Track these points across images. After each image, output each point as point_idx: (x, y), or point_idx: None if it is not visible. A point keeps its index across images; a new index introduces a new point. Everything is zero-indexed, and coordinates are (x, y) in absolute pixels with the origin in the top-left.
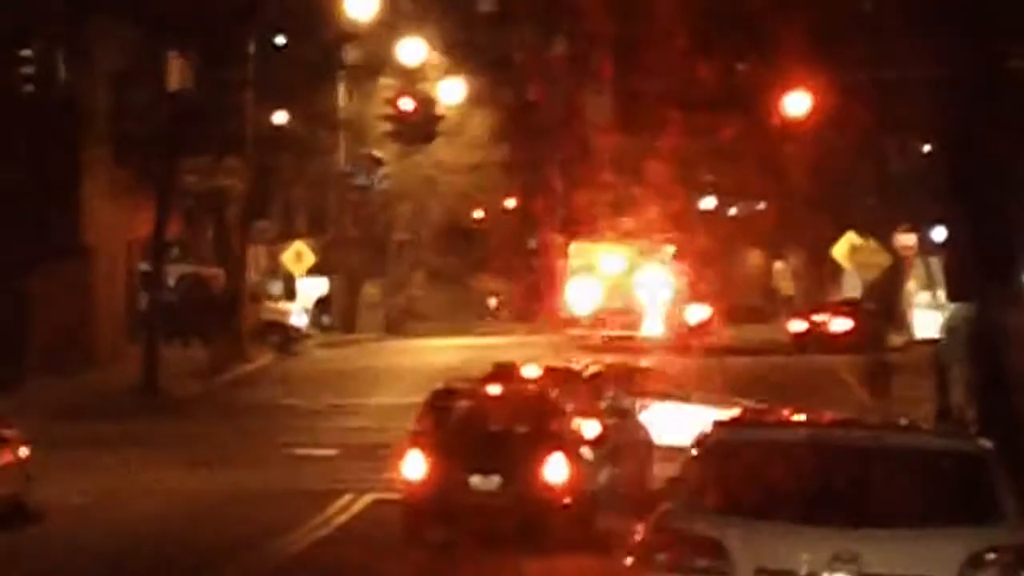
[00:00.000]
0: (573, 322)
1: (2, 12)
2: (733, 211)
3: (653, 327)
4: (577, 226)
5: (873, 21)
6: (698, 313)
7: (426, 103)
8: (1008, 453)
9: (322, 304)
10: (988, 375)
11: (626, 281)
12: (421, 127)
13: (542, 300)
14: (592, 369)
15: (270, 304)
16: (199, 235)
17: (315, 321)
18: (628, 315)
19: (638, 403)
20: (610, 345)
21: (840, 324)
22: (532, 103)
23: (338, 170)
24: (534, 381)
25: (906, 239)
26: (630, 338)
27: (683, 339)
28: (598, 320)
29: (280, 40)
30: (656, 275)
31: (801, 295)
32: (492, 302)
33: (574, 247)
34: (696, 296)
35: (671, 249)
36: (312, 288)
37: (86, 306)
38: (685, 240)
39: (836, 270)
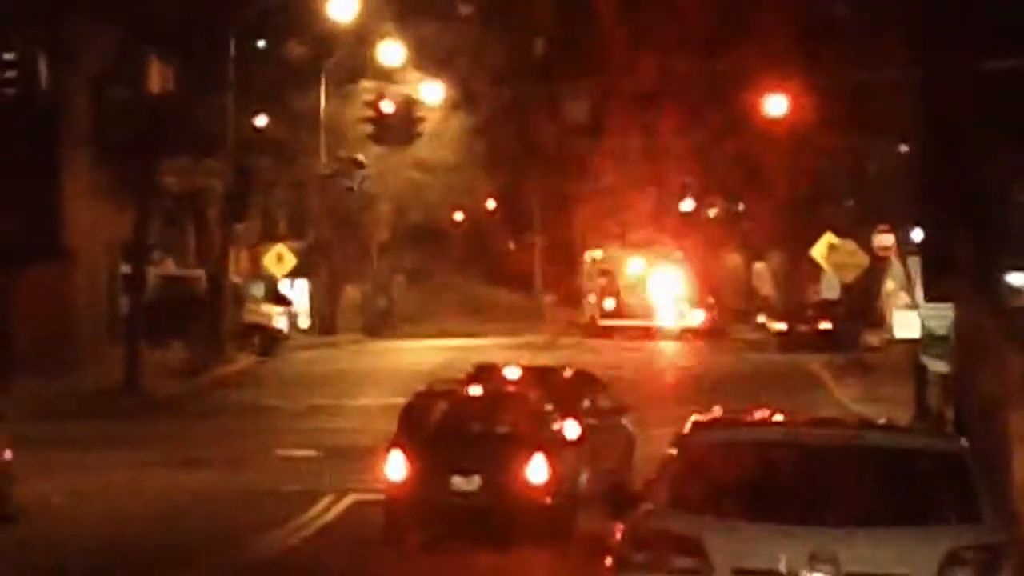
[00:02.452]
0: (599, 315)
1: None
2: (712, 212)
3: (667, 318)
4: (591, 233)
5: (849, 22)
6: (698, 314)
7: (406, 105)
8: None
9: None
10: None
11: (642, 281)
12: (402, 129)
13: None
14: (572, 370)
15: (252, 306)
16: (180, 237)
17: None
18: (645, 309)
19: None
20: (631, 334)
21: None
22: (510, 105)
23: (319, 172)
24: (515, 382)
25: (884, 239)
26: (647, 328)
27: (690, 330)
28: (621, 313)
29: (261, 43)
30: (667, 276)
31: (780, 296)
32: (548, 299)
33: (598, 253)
34: (696, 297)
35: (680, 254)
36: (289, 289)
37: (67, 308)
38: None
39: (815, 271)
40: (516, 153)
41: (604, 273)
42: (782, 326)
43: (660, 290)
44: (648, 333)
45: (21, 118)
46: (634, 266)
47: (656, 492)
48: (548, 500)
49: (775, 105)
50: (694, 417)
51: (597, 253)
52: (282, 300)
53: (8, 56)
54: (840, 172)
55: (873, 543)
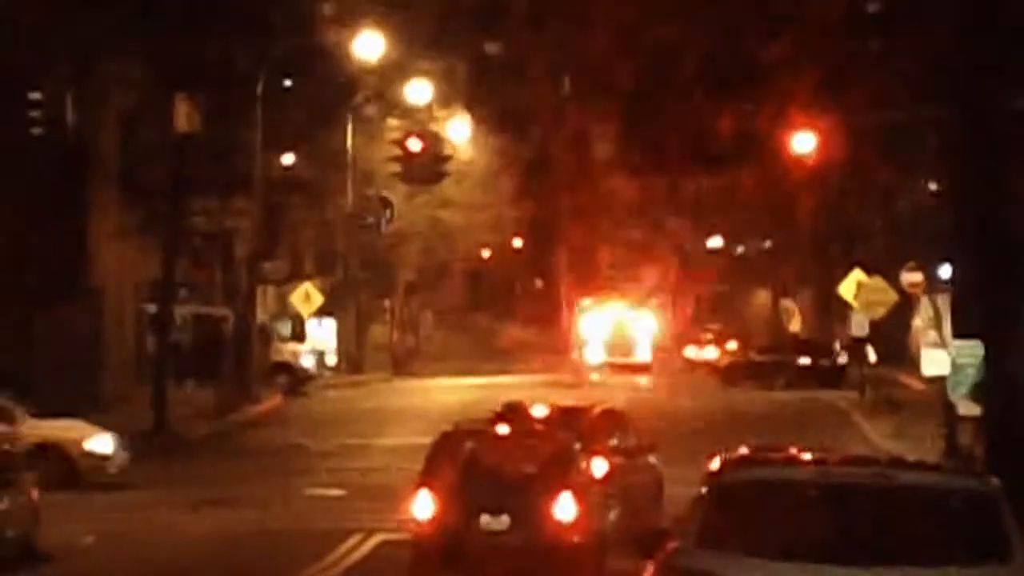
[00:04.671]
0: (586, 351)
1: (11, 54)
2: (740, 250)
3: (643, 355)
4: (586, 282)
5: (880, 61)
6: (704, 352)
7: (434, 144)
8: (1016, 491)
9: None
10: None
11: (623, 323)
12: (429, 167)
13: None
14: (600, 408)
15: (279, 345)
16: (207, 276)
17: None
18: (626, 346)
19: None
20: (614, 367)
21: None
22: (537, 143)
23: (346, 211)
24: (542, 420)
25: (913, 277)
26: (628, 364)
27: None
28: (605, 350)
29: (288, 82)
30: (644, 319)
31: (807, 333)
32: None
33: (586, 301)
34: (699, 337)
35: (654, 301)
36: (320, 330)
37: (94, 348)
38: (691, 284)
39: (843, 308)
40: (543, 192)
41: (590, 318)
42: (723, 357)
43: (634, 331)
44: (629, 368)
45: (48, 157)
46: (614, 312)
47: (685, 530)
48: (576, 539)
49: (803, 142)
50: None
51: (586, 301)
52: (299, 337)
53: (35, 95)
54: (869, 209)
55: None
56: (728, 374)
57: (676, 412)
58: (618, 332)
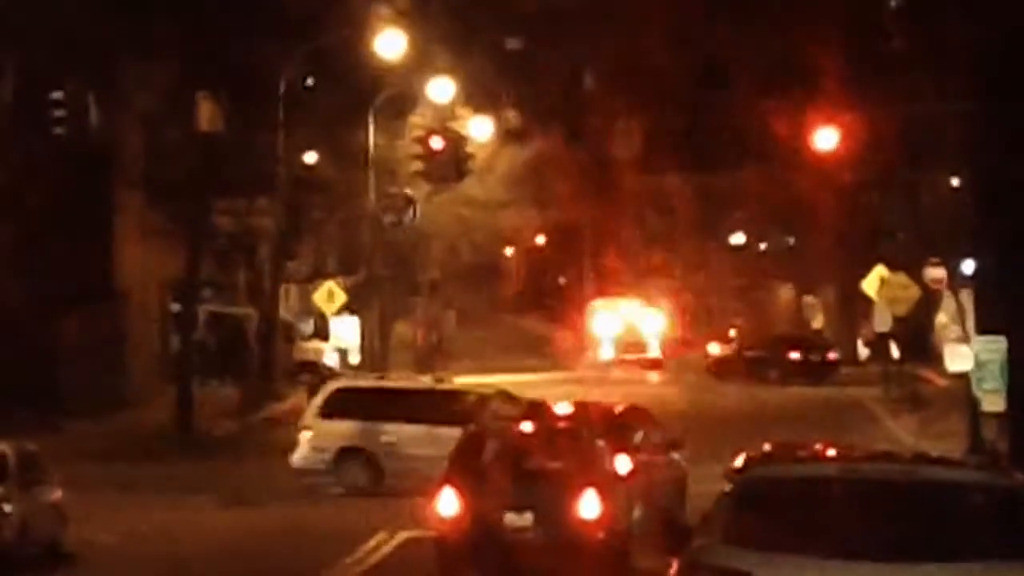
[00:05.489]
0: (599, 349)
1: (34, 55)
2: (763, 246)
3: (654, 351)
4: (607, 279)
5: (903, 57)
6: (717, 348)
7: (456, 141)
8: None
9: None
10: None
11: (635, 321)
12: (451, 165)
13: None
14: (623, 405)
15: (303, 343)
16: (231, 275)
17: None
18: (637, 343)
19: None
20: (626, 363)
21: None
22: (560, 140)
23: (369, 209)
24: (566, 418)
25: (936, 272)
26: (639, 360)
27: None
28: (618, 347)
29: (310, 80)
30: (656, 316)
31: (831, 329)
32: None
33: (598, 301)
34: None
35: (664, 301)
36: (344, 328)
37: (119, 348)
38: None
39: (866, 304)
40: (566, 189)
41: (604, 317)
42: (718, 351)
43: (646, 329)
44: (639, 364)
45: (71, 158)
46: (626, 311)
47: (710, 527)
48: (601, 536)
49: (826, 139)
50: (746, 452)
51: (599, 302)
52: (323, 335)
53: (58, 95)
54: (892, 205)
55: None
56: (719, 369)
57: (699, 409)
58: (629, 330)
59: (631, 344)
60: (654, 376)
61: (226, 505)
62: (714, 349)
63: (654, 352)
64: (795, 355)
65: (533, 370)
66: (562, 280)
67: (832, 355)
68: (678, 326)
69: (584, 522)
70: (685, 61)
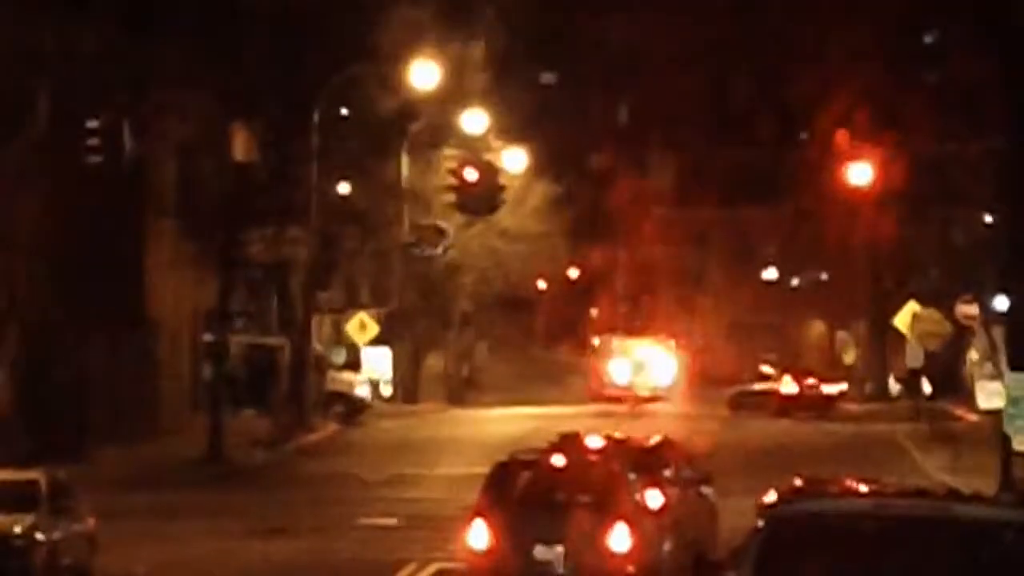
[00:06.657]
0: (613, 386)
1: (69, 82)
2: (795, 282)
3: (664, 388)
4: (616, 323)
5: (937, 93)
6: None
7: (489, 173)
8: None
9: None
10: None
11: (646, 360)
12: (484, 197)
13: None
14: (655, 439)
15: (335, 374)
16: (263, 305)
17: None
18: (648, 379)
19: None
20: (638, 398)
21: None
22: (594, 173)
23: (401, 240)
24: (597, 451)
25: (968, 309)
26: (651, 397)
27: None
28: (632, 383)
29: (344, 111)
30: (664, 357)
31: (863, 364)
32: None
33: (615, 341)
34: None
35: (672, 342)
36: (375, 359)
37: (151, 376)
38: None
39: (899, 339)
40: (599, 222)
41: (605, 353)
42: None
43: (649, 366)
44: (637, 397)
45: (105, 187)
46: (637, 350)
47: (740, 562)
48: (631, 569)
49: (860, 174)
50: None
51: (597, 340)
52: (355, 366)
53: (92, 124)
54: (924, 241)
55: None
56: (732, 403)
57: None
58: (639, 366)
59: (641, 379)
60: (668, 407)
61: (256, 535)
62: (790, 388)
63: (664, 387)
64: (790, 389)
65: (561, 402)
66: (594, 312)
67: (830, 390)
68: (698, 362)
69: (614, 555)
70: (721, 97)
